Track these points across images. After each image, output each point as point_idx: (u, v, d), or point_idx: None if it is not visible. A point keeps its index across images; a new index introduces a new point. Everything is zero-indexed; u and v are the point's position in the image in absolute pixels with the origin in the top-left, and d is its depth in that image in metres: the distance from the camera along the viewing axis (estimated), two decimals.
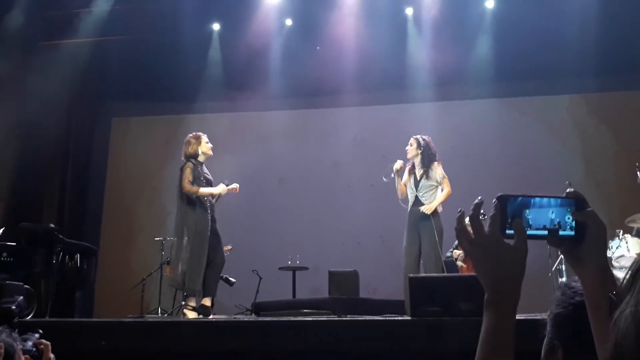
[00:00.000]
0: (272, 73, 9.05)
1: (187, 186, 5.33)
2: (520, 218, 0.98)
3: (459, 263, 6.64)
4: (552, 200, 1.00)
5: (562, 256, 6.08)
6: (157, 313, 7.28)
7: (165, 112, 9.84)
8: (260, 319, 5.21)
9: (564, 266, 6.17)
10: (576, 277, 1.07)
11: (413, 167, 5.76)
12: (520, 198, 1.00)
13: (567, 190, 1.02)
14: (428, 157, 5.65)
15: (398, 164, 5.69)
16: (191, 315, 5.22)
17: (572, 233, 0.98)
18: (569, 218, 0.99)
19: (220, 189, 5.52)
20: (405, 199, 5.86)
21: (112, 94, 9.67)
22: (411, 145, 5.76)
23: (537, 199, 1.00)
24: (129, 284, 7.97)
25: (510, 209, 0.98)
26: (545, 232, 0.99)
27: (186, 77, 9.00)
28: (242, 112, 9.67)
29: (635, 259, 0.80)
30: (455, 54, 8.50)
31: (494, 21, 8.53)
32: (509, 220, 0.98)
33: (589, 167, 8.65)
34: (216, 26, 9.17)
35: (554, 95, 9.04)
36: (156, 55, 8.83)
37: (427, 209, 5.50)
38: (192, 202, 5.38)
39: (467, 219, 0.99)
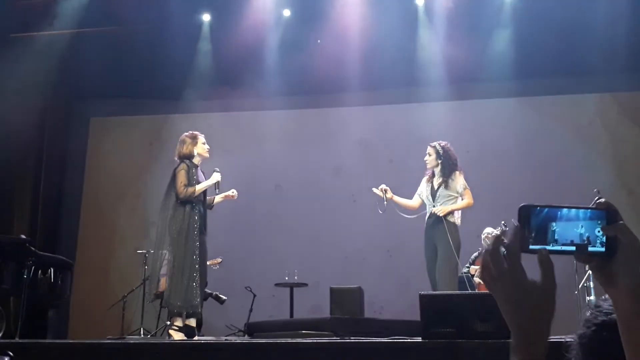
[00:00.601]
0: (268, 69, 9.08)
1: (183, 190, 5.35)
2: (545, 231, 0.99)
3: (477, 279, 6.65)
4: (581, 212, 1.00)
5: (589, 272, 6.09)
6: (139, 334, 7.28)
7: (148, 112, 9.87)
8: (254, 340, 5.21)
9: (591, 283, 6.17)
10: (605, 296, 1.08)
11: (432, 175, 5.83)
12: (546, 209, 1.00)
13: (597, 201, 1.02)
14: (449, 167, 5.75)
15: (378, 191, 5.79)
16: (177, 336, 5.21)
17: (603, 249, 0.99)
18: (599, 232, 0.99)
19: (215, 178, 5.55)
20: (408, 212, 5.92)
21: (90, 91, 9.70)
22: (430, 155, 5.85)
23: (565, 211, 1.00)
24: (108, 302, 7.97)
25: (534, 222, 0.99)
26: (573, 248, 0.99)
27: (172, 73, 9.02)
28: (235, 111, 9.70)
29: None
30: (471, 48, 8.53)
31: (515, 12, 8.57)
32: (533, 234, 0.98)
33: (619, 174, 8.66)
34: (206, 17, 9.20)
35: (581, 94, 9.06)
36: (139, 48, 8.86)
37: (440, 210, 5.56)
38: (181, 207, 5.38)
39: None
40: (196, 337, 5.37)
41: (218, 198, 5.71)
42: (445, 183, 5.71)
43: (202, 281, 5.46)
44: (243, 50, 8.86)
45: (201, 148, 5.60)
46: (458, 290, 5.67)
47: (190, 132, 5.71)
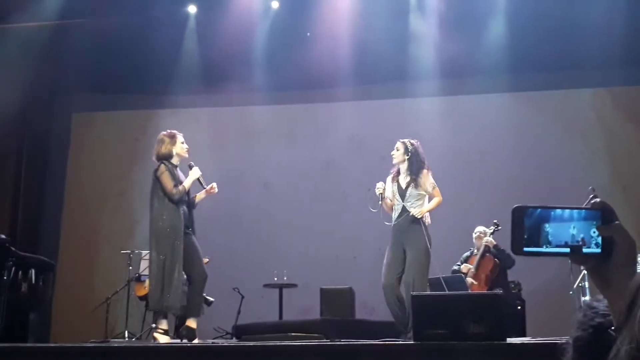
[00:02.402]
0: (256, 63, 9.05)
1: (176, 192, 5.37)
2: (539, 233, 0.99)
3: (469, 280, 6.66)
4: (575, 213, 1.00)
5: (584, 272, 6.12)
6: (123, 337, 7.25)
7: (133, 107, 9.82)
8: (242, 343, 5.20)
9: (587, 283, 6.21)
10: (600, 296, 1.08)
11: (398, 173, 5.75)
12: (539, 210, 1.00)
13: (592, 201, 1.02)
14: (417, 164, 5.66)
15: (380, 187, 5.71)
16: (162, 339, 5.21)
17: (598, 250, 0.99)
18: (594, 232, 0.99)
19: (196, 173, 5.54)
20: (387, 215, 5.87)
21: (72, 86, 9.63)
22: (397, 150, 5.77)
23: (559, 211, 1.00)
24: (91, 304, 7.93)
25: (527, 223, 0.99)
26: (567, 250, 1.00)
27: (158, 67, 8.98)
28: (222, 107, 9.67)
29: (629, 288, 0.80)
30: (463, 42, 8.54)
31: (508, 5, 8.58)
32: (526, 236, 0.99)
33: (615, 170, 8.71)
34: (192, 8, 9.16)
35: (575, 89, 9.10)
36: (123, 41, 8.80)
37: (418, 212, 5.50)
38: (168, 208, 5.38)
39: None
40: (181, 340, 5.37)
41: (200, 195, 5.68)
42: (415, 182, 5.62)
43: (199, 281, 5.47)
44: (230, 43, 8.83)
45: (180, 148, 5.57)
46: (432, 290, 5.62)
47: (169, 131, 5.69)
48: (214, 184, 5.69)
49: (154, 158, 5.60)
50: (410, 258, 5.48)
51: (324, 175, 9.23)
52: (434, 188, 5.67)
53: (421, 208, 5.56)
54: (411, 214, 5.53)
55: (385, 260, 5.60)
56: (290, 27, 8.82)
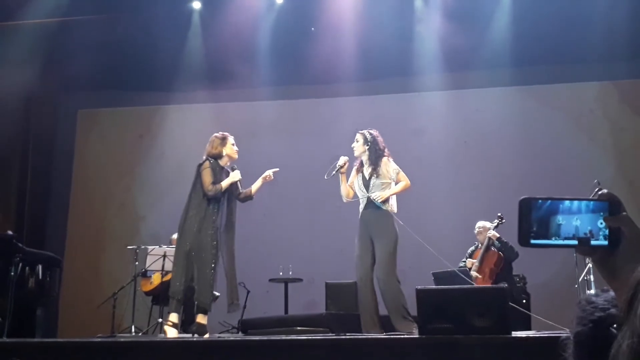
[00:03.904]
0: (261, 58, 9.05)
1: (212, 188, 5.47)
2: (547, 225, 0.99)
3: (474, 273, 6.66)
4: (583, 205, 1.00)
5: (589, 266, 6.11)
6: (130, 332, 7.28)
7: (138, 103, 9.84)
8: (248, 338, 5.23)
9: (592, 276, 6.20)
10: (599, 291, 1.08)
11: (361, 165, 5.76)
12: (547, 202, 1.00)
13: (600, 192, 1.02)
14: (376, 154, 5.65)
15: (342, 160, 5.73)
16: (171, 332, 5.23)
17: (606, 243, 0.99)
18: (601, 224, 0.99)
19: (236, 176, 5.64)
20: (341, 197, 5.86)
21: (77, 83, 9.65)
22: (357, 142, 5.78)
23: (567, 203, 1.00)
24: (98, 299, 7.96)
25: (535, 215, 0.99)
26: (576, 242, 1.00)
27: (162, 63, 8.98)
28: (226, 102, 9.67)
29: (630, 282, 0.80)
30: (468, 36, 8.52)
31: None
32: (534, 229, 0.99)
33: (620, 164, 8.68)
34: (196, 4, 9.16)
35: (580, 83, 9.07)
36: (127, 38, 8.81)
37: (377, 196, 5.48)
38: (200, 202, 5.48)
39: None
40: (188, 335, 5.40)
41: (257, 184, 5.77)
42: (375, 172, 5.60)
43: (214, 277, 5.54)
44: (235, 39, 8.83)
45: (230, 149, 5.69)
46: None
47: (221, 132, 5.80)
48: (270, 172, 5.75)
49: (204, 157, 5.71)
50: (379, 251, 5.42)
51: (328, 169, 9.21)
52: (398, 173, 5.63)
53: (383, 192, 5.53)
54: (372, 197, 5.51)
55: (356, 253, 5.59)
56: (294, 22, 8.82)
